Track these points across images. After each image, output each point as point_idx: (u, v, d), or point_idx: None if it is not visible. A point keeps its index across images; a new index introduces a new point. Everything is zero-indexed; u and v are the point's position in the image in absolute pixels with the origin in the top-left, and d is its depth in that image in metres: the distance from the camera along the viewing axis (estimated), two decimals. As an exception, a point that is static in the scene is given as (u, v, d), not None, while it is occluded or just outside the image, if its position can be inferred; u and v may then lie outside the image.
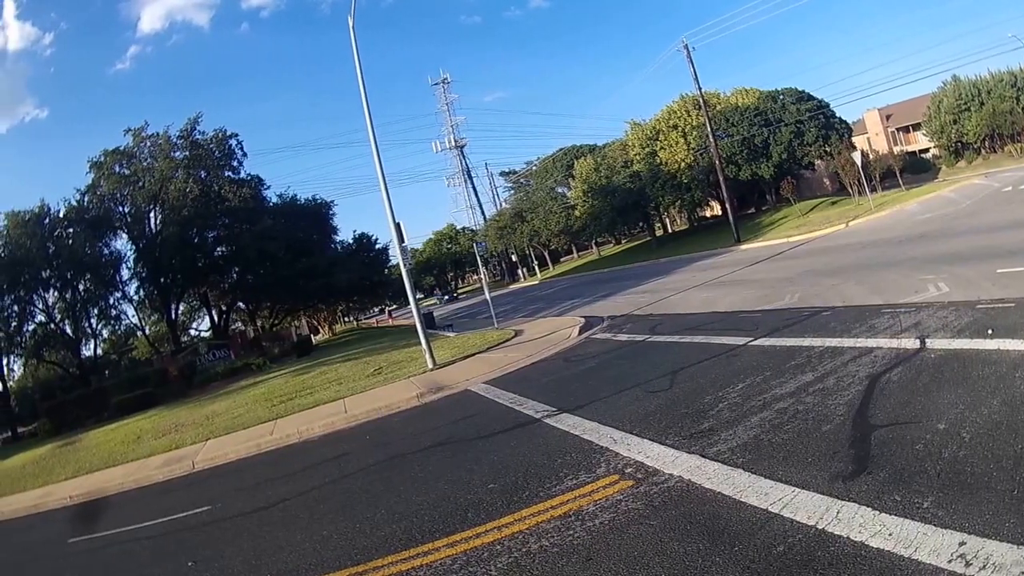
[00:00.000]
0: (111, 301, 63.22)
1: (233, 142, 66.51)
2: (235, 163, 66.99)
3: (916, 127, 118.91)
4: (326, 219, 75.19)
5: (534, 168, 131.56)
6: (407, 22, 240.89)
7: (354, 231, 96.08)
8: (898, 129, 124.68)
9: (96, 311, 62.10)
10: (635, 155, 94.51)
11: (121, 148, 62.46)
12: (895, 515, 6.60)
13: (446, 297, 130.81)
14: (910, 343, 12.89)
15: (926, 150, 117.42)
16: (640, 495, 8.57)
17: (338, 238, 77.61)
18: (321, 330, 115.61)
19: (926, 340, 12.78)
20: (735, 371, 14.16)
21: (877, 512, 6.72)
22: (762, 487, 7.91)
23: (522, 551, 7.85)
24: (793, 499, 7.40)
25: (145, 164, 61.89)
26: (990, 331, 12.28)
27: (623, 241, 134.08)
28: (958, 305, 15.20)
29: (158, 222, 64.02)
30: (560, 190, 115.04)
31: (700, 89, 73.76)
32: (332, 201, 76.56)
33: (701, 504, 7.90)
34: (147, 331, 73.08)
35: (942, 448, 7.75)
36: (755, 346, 16.47)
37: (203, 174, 64.00)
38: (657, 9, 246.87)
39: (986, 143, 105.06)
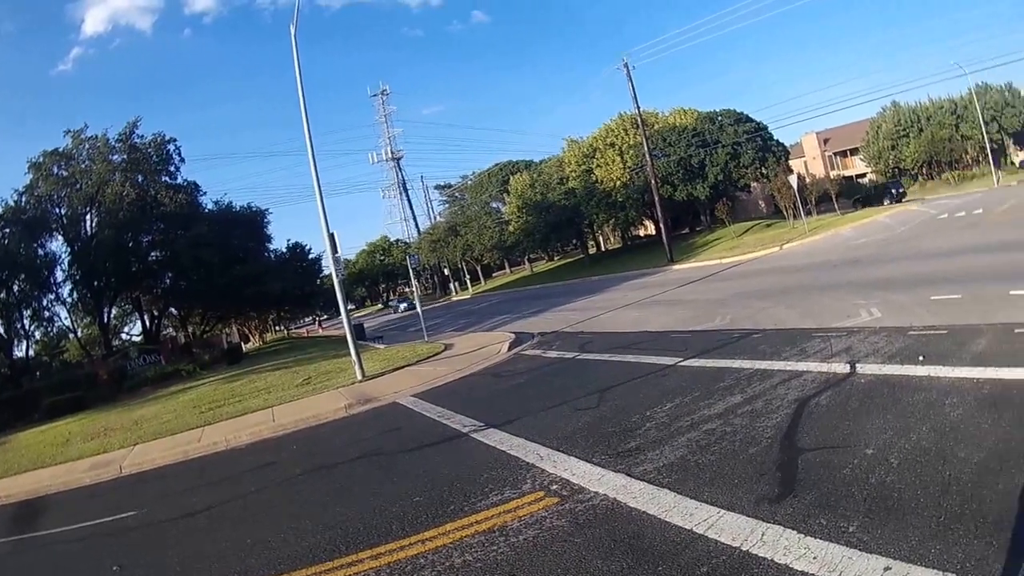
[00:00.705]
0: (44, 303, 62.10)
1: (171, 147, 65.57)
2: (172, 168, 66.09)
3: (854, 152, 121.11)
4: (260, 227, 73.96)
5: (469, 183, 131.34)
6: (349, 32, 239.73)
7: (288, 240, 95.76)
8: (835, 153, 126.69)
9: (29, 312, 61.00)
10: (571, 172, 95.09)
11: (60, 149, 61.15)
12: (821, 539, 6.68)
13: (402, 306, 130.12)
14: (840, 367, 13.08)
15: (863, 175, 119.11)
16: (565, 512, 8.60)
17: (272, 246, 76.81)
18: (252, 338, 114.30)
19: (856, 365, 12.96)
20: (664, 391, 14.27)
21: (802, 535, 6.80)
22: (687, 507, 7.97)
23: (446, 565, 7.86)
24: (718, 520, 7.46)
25: (83, 166, 60.99)
26: (921, 358, 12.44)
27: (556, 258, 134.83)
28: (890, 331, 15.42)
29: (94, 225, 62.66)
30: (494, 205, 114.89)
31: (638, 108, 74.64)
32: (267, 209, 75.87)
33: (626, 523, 7.94)
34: (79, 334, 71.85)
35: (869, 473, 7.87)
36: (684, 367, 16.58)
37: (140, 178, 63.15)
38: (599, 28, 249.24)
39: (923, 170, 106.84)
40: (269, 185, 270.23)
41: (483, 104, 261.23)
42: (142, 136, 63.37)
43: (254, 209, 74.06)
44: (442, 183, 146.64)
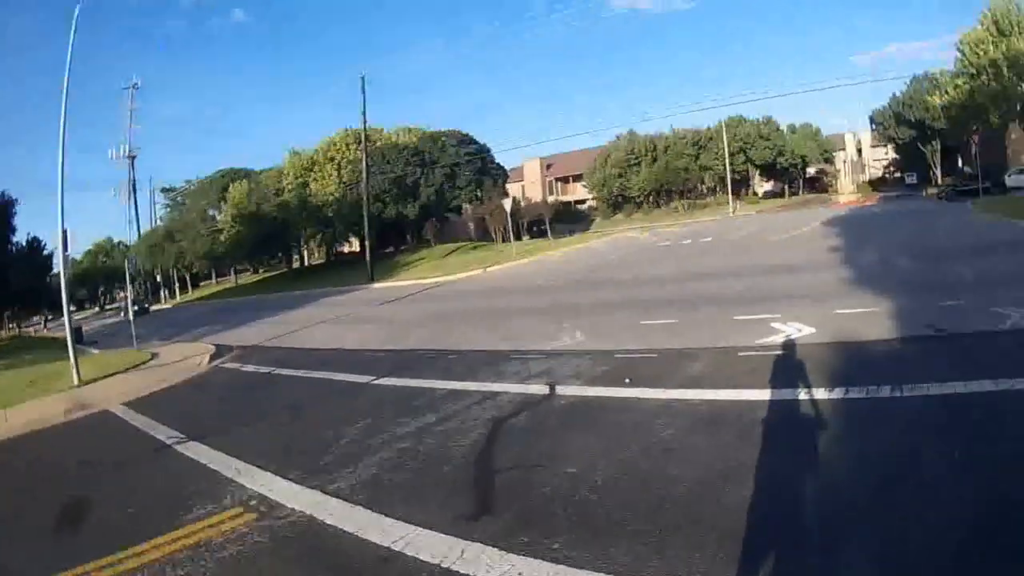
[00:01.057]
0: None
1: None
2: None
3: (577, 178, 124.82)
4: (7, 218, 70.97)
5: (192, 187, 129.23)
6: (111, 18, 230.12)
7: (28, 234, 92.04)
8: (557, 179, 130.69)
9: None
10: (288, 184, 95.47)
11: None
12: (525, 555, 6.73)
13: (135, 308, 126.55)
14: (539, 389, 13.35)
15: (583, 201, 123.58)
16: (265, 528, 8.49)
17: (15, 239, 73.83)
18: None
19: (556, 387, 13.23)
20: (358, 409, 14.36)
21: (505, 552, 6.83)
22: (383, 525, 7.97)
23: (160, 581, 7.65)
24: (416, 538, 7.46)
25: None
26: (627, 380, 12.77)
27: (261, 270, 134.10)
28: (594, 354, 15.87)
29: None
30: (212, 212, 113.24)
31: (365, 123, 75.04)
32: (15, 200, 72.74)
33: (324, 539, 7.91)
34: None
35: (573, 491, 8.01)
36: (378, 384, 16.73)
37: None
38: (339, 42, 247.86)
39: (650, 198, 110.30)
40: (16, 173, 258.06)
41: (225, 107, 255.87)
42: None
43: (6, 198, 71.00)
44: (167, 186, 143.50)
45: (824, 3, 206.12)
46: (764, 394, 10.72)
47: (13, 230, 72.03)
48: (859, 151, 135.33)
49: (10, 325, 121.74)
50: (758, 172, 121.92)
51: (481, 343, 20.44)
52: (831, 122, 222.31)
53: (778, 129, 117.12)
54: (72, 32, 26.10)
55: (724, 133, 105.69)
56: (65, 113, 26.24)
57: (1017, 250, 25.18)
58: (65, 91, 26.25)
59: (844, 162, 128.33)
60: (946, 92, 71.74)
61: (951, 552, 5.87)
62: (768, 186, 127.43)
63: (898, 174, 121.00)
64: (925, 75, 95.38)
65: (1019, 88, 62.12)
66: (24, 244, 75.29)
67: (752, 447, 8.56)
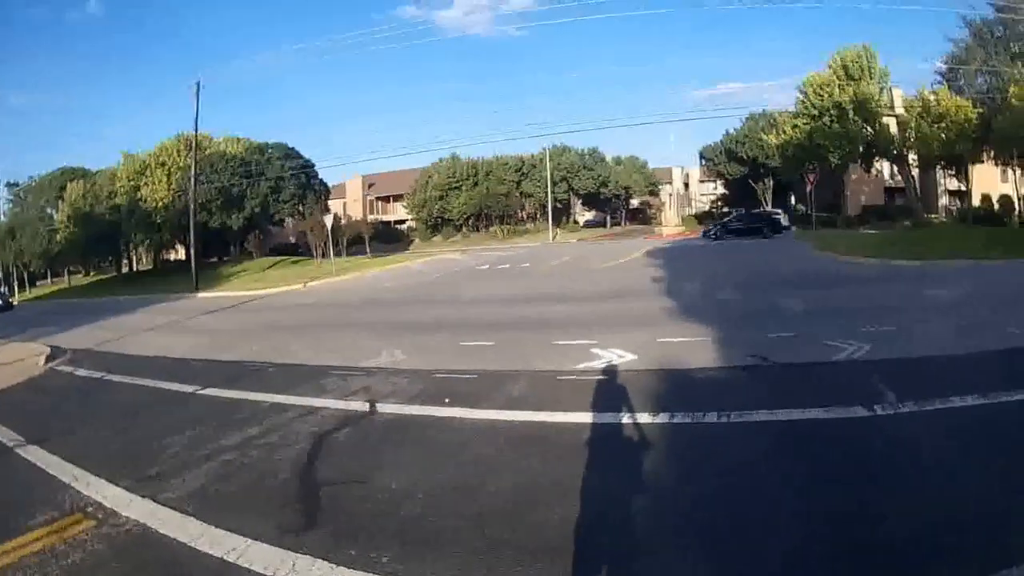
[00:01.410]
0: None
1: None
2: None
3: (397, 198, 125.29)
4: None
5: (33, 184, 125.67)
6: None
7: None
8: (378, 198, 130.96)
9: None
10: (120, 187, 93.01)
11: None
12: (354, 568, 6.86)
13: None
14: (359, 405, 13.47)
15: (403, 221, 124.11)
16: (103, 536, 8.40)
17: None
18: None
19: (376, 404, 13.35)
20: (184, 418, 14.19)
21: (334, 565, 6.95)
22: (215, 536, 7.99)
23: (13, 588, 7.54)
24: (247, 550, 7.52)
25: None
26: (447, 399, 12.95)
27: (92, 273, 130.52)
28: (413, 373, 16.07)
29: None
30: (49, 211, 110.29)
31: (196, 130, 73.48)
32: None
33: (160, 549, 7.89)
34: None
35: (397, 506, 8.18)
36: (203, 395, 16.61)
37: None
38: (180, 42, 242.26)
39: (470, 222, 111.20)
40: None
41: (75, 100, 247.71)
42: None
43: None
44: (12, 181, 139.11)
45: (660, 39, 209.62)
46: (586, 417, 11.01)
47: None
48: (686, 185, 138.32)
49: None
50: (580, 201, 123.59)
51: (303, 357, 20.41)
52: (660, 155, 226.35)
53: (603, 160, 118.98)
54: None
55: (547, 161, 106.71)
56: None
57: (842, 284, 26.34)
58: None
59: (670, 195, 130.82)
60: (783, 131, 73.83)
61: (771, 561, 6.31)
62: (590, 215, 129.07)
63: (726, 209, 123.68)
64: (762, 113, 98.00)
65: (863, 130, 64.62)
66: None
67: (574, 467, 8.80)
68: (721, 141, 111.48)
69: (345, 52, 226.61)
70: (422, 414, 12.31)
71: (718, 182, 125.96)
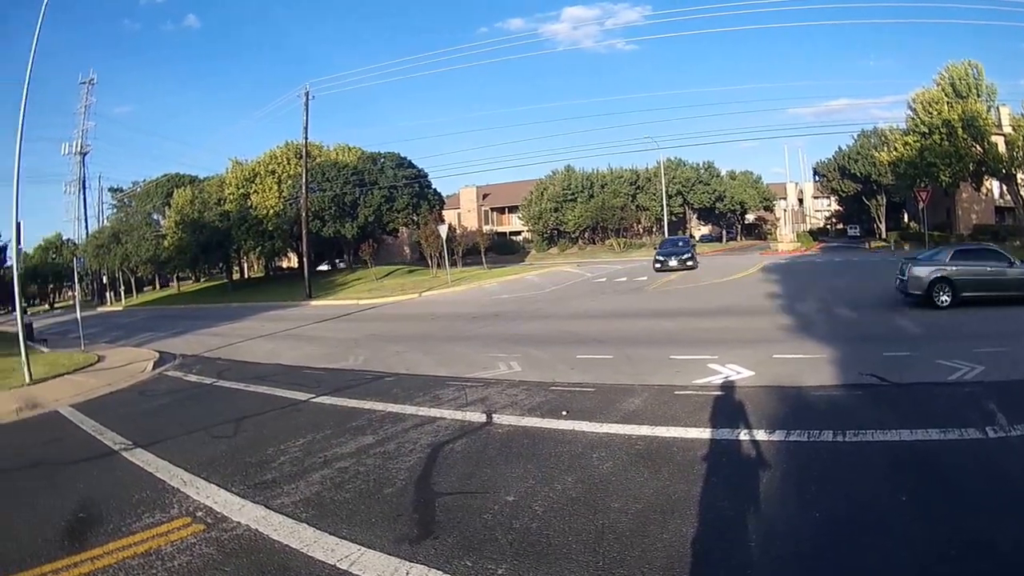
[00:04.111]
0: None
1: None
2: None
3: (513, 209, 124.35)
4: None
5: (139, 189, 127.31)
6: (71, 13, 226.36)
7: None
8: (493, 209, 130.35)
9: None
10: (230, 194, 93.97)
11: None
12: None
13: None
14: (476, 416, 13.44)
15: (518, 232, 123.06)
16: (212, 540, 8.45)
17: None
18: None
19: (493, 415, 13.35)
20: (297, 426, 14.34)
21: (448, 575, 6.92)
22: (328, 543, 7.98)
23: (109, 587, 7.53)
24: (360, 557, 7.50)
25: None
26: (564, 412, 12.90)
27: (202, 280, 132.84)
28: (530, 385, 16.03)
29: None
30: (156, 217, 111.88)
31: (306, 138, 74.40)
32: (-29, 187, 71.93)
33: (271, 554, 7.88)
34: None
35: (512, 519, 8.10)
36: (317, 403, 16.75)
37: None
38: (288, 52, 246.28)
39: (586, 234, 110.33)
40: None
41: (172, 111, 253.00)
42: None
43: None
44: (115, 186, 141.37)
45: (773, 54, 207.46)
46: (703, 433, 10.90)
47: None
48: (800, 201, 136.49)
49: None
50: (696, 215, 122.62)
51: (418, 367, 20.45)
52: (773, 171, 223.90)
53: (718, 175, 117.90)
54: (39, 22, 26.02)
55: (662, 174, 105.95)
56: (25, 107, 26.09)
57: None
58: (26, 85, 26.15)
59: (785, 211, 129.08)
60: (895, 149, 72.34)
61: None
62: (705, 230, 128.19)
63: (840, 225, 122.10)
64: (874, 130, 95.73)
65: (972, 148, 63.07)
66: (-30, 234, 74.41)
67: (691, 484, 8.70)
68: (834, 157, 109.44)
69: (454, 65, 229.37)
70: (540, 426, 12.25)
71: (831, 198, 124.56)
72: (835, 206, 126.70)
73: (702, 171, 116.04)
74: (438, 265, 69.67)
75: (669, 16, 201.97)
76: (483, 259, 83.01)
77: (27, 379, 24.85)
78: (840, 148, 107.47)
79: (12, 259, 27.58)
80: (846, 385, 13.78)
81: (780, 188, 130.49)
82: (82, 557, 8.39)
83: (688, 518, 7.65)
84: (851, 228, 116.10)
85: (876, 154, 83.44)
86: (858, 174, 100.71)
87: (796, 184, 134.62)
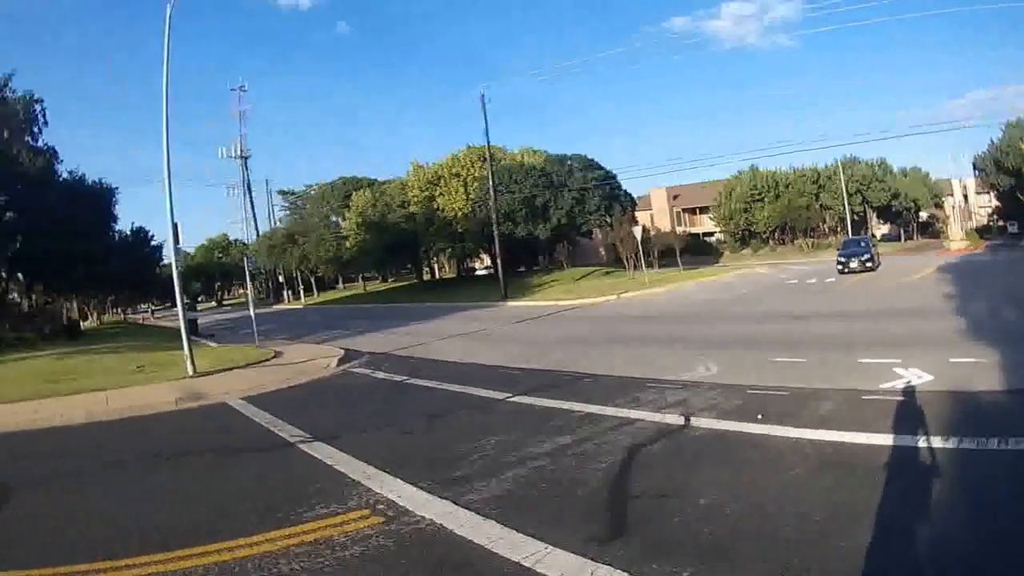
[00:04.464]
0: None
1: (38, 107, 63.51)
2: (36, 129, 64.10)
3: (704, 210, 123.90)
4: (109, 205, 71.38)
5: (312, 192, 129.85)
6: (217, 22, 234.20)
7: (132, 223, 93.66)
8: (684, 210, 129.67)
9: None
10: (413, 196, 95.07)
11: None
12: None
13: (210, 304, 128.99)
14: (674, 419, 13.20)
15: (711, 234, 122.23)
16: (391, 532, 8.48)
17: (117, 227, 74.93)
18: (90, 316, 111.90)
19: (691, 418, 13.09)
20: (491, 424, 14.34)
21: None
22: (515, 540, 7.90)
23: (272, 571, 7.65)
24: (547, 556, 7.39)
25: None
26: (760, 416, 12.66)
27: (390, 280, 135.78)
28: (727, 388, 15.68)
29: None
30: (334, 219, 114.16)
31: (488, 141, 74.89)
32: (116, 188, 73.61)
33: (452, 549, 7.85)
34: None
35: (703, 523, 7.90)
36: (513, 402, 16.67)
37: (5, 133, 61.26)
38: (458, 57, 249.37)
39: (775, 234, 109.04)
40: (123, 163, 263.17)
41: (335, 116, 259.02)
42: (13, 91, 61.59)
43: (104, 185, 72.00)
44: (286, 189, 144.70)
45: (924, 46, 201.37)
46: (887, 439, 10.55)
47: (115, 218, 73.21)
48: (965, 197, 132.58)
49: (115, 310, 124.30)
50: (875, 214, 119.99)
51: (617, 369, 20.26)
52: (939, 167, 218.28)
53: (891, 172, 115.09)
54: (166, 30, 27.13)
55: (841, 173, 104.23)
56: (167, 112, 27.32)
57: None
58: (165, 89, 27.21)
59: (953, 208, 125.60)
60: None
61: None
62: (885, 229, 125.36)
63: (1000, 222, 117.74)
64: (1018, 121, 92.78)
65: None
66: (128, 233, 76.65)
67: (874, 491, 8.40)
68: (988, 151, 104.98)
69: (631, 66, 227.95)
70: (735, 430, 12.05)
71: (991, 193, 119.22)
72: (994, 201, 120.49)
73: (876, 168, 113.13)
74: (634, 267, 69.67)
75: (825, 9, 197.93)
76: (678, 260, 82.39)
77: (190, 371, 25.62)
78: (992, 141, 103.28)
79: (171, 257, 28.18)
80: (1020, 391, 13.21)
81: (946, 184, 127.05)
82: (238, 543, 8.59)
83: (867, 526, 7.39)
84: (1010, 225, 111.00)
85: (1022, 145, 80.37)
86: (1010, 167, 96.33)
87: (960, 180, 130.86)
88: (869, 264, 52.08)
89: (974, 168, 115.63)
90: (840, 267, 51.95)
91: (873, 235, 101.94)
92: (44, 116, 64.63)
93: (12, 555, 8.90)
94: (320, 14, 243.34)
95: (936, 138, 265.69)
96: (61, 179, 66.92)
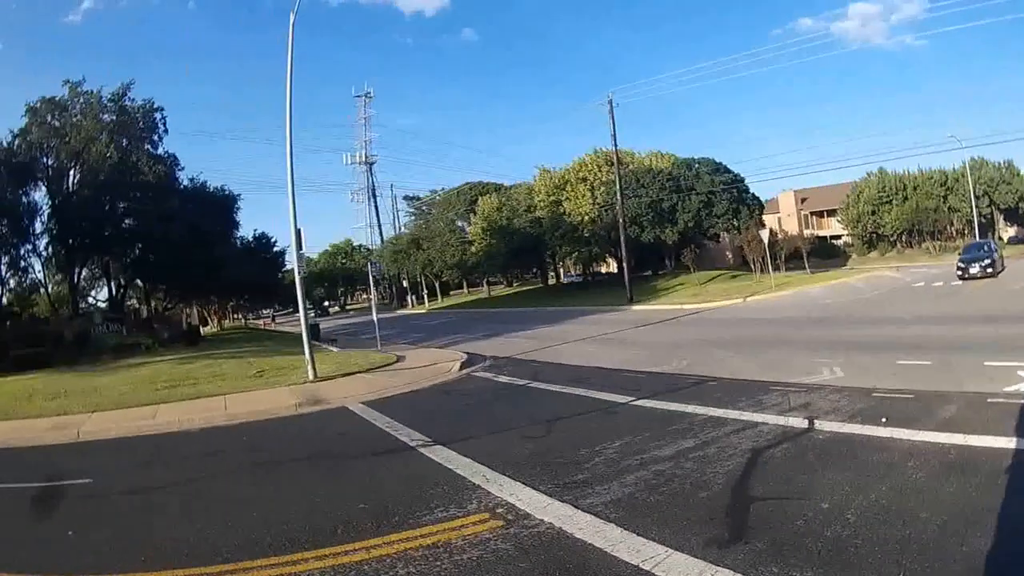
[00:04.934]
0: (22, 252, 61.98)
1: (158, 116, 65.17)
2: (156, 137, 65.81)
3: (831, 213, 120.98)
4: (231, 212, 73.04)
5: (438, 198, 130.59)
6: (341, 29, 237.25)
7: (254, 229, 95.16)
8: (812, 213, 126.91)
9: (7, 259, 60.70)
10: (540, 201, 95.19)
11: (57, 98, 61.19)
12: None
13: (335, 308, 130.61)
14: (798, 422, 13.11)
15: (838, 236, 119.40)
16: (510, 536, 8.51)
17: (239, 233, 76.59)
18: (210, 322, 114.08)
19: (815, 421, 12.97)
20: (614, 428, 14.30)
21: None
22: (634, 544, 7.89)
23: (389, 575, 7.74)
24: (666, 559, 7.38)
25: (75, 120, 60.34)
26: (884, 419, 12.49)
27: (514, 284, 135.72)
28: (852, 391, 15.51)
29: (75, 182, 61.89)
30: (460, 224, 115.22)
31: (616, 145, 74.78)
32: (239, 195, 75.24)
33: (571, 553, 7.85)
34: (50, 290, 71.49)
35: (824, 526, 7.83)
36: (636, 406, 16.63)
37: (125, 142, 62.68)
38: (585, 62, 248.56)
39: (903, 237, 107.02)
40: (242, 170, 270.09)
41: (460, 122, 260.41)
42: (132, 99, 63.12)
43: (226, 192, 73.81)
44: (411, 194, 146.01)
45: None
46: (1010, 443, 10.38)
47: (236, 225, 75.28)
48: None
49: (235, 316, 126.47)
50: (1003, 217, 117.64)
51: (742, 372, 20.21)
52: None
53: (1018, 174, 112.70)
54: (290, 39, 27.73)
55: (968, 175, 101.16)
56: (290, 120, 28.00)
57: None
58: (288, 96, 27.85)
59: None
60: None
61: None
62: (1012, 231, 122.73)
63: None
64: None
65: None
66: (251, 239, 78.56)
67: (996, 495, 8.30)
68: None
69: (752, 69, 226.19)
70: (859, 433, 11.94)
71: None
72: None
73: (1003, 170, 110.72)
74: (761, 270, 69.34)
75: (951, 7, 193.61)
76: (805, 264, 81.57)
77: (310, 376, 26.03)
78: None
79: (294, 263, 28.56)
80: None
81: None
82: (355, 546, 8.71)
83: (987, 531, 7.29)
84: None
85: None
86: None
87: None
88: (991, 270, 49.16)
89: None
90: (960, 272, 49.56)
91: (1000, 238, 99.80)
92: (164, 124, 66.46)
93: (128, 558, 9.10)
94: (445, 21, 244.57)
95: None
96: (182, 186, 68.40)
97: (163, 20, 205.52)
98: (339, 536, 9.16)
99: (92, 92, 61.38)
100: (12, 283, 65.22)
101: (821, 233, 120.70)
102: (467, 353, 32.24)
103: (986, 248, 54.09)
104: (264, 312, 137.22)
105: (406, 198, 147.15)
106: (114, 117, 61.63)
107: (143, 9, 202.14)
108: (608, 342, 33.73)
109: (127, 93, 62.39)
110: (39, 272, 67.08)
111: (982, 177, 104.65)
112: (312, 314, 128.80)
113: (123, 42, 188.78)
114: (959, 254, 54.53)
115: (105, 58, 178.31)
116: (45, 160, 61.44)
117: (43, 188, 61.58)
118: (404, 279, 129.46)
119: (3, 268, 61.16)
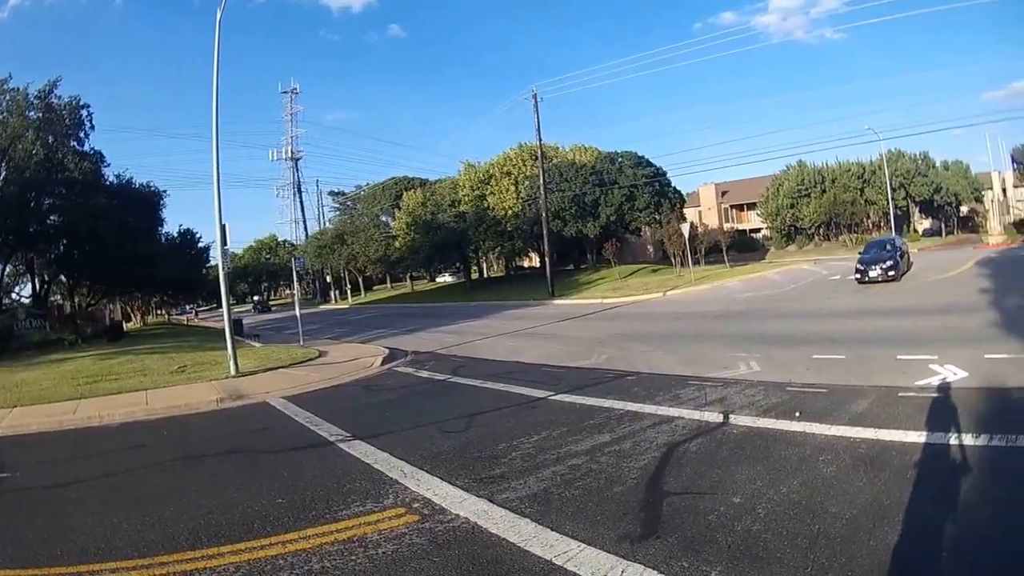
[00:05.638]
0: None
1: (84, 113, 63.74)
2: (82, 134, 64.48)
3: (751, 206, 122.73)
4: (156, 208, 72.22)
5: (363, 192, 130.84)
6: (267, 25, 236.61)
7: (180, 225, 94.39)
8: (732, 206, 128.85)
9: None
10: (464, 195, 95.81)
11: None
12: None
13: (258, 308, 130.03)
14: (713, 416, 13.26)
15: (757, 230, 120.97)
16: (425, 531, 8.57)
17: (164, 229, 75.77)
18: (133, 318, 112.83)
19: (730, 416, 13.16)
20: (532, 423, 14.36)
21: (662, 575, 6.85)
22: (548, 539, 7.98)
23: (304, 569, 7.75)
24: (578, 554, 7.47)
25: (0, 117, 59.78)
26: (798, 414, 12.70)
27: (437, 279, 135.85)
28: (768, 385, 15.75)
29: (1, 179, 61.13)
30: (384, 219, 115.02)
31: (540, 140, 74.98)
32: (164, 191, 74.62)
33: (485, 548, 7.92)
34: None
35: (735, 521, 7.96)
36: (555, 401, 16.71)
37: (51, 139, 61.75)
38: (512, 58, 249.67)
39: (820, 230, 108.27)
40: (169, 167, 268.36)
41: (386, 117, 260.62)
42: (59, 97, 62.20)
43: (152, 189, 72.83)
44: (336, 190, 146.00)
45: (960, 40, 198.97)
46: (920, 436, 10.62)
47: (161, 221, 74.36)
48: (1003, 190, 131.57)
49: (158, 312, 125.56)
50: (918, 209, 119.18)
51: (661, 366, 20.42)
52: (979, 159, 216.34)
53: (933, 166, 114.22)
54: (216, 34, 27.83)
55: (885, 167, 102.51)
56: (216, 117, 28.17)
57: None
58: (215, 94, 27.89)
59: (991, 201, 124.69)
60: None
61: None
62: (927, 223, 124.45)
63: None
64: None
65: None
66: (175, 235, 77.73)
67: (905, 489, 8.49)
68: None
69: (673, 63, 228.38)
70: (773, 428, 12.12)
71: None
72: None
73: (919, 162, 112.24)
74: (681, 264, 69.80)
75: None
76: (725, 257, 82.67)
77: (232, 371, 25.98)
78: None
79: (218, 258, 28.47)
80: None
81: (986, 178, 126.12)
82: (271, 540, 8.73)
83: (895, 525, 7.48)
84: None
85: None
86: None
87: (999, 173, 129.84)
88: (892, 273, 41.81)
89: (1012, 161, 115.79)
90: (858, 276, 42.84)
91: (916, 230, 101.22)
92: (91, 121, 65.16)
93: (45, 552, 9.06)
94: (372, 17, 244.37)
95: (975, 130, 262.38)
96: (108, 182, 67.65)
97: (90, 18, 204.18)
98: (256, 530, 9.17)
99: (18, 89, 60.39)
100: (-66, 279, 63.81)
101: (741, 227, 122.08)
102: (389, 348, 32.33)
103: (889, 247, 47.53)
104: (187, 308, 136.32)
105: (331, 193, 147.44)
106: (40, 115, 60.78)
107: (71, 6, 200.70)
108: (530, 336, 33.92)
109: (53, 90, 61.49)
110: (-39, 268, 65.73)
111: (899, 169, 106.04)
112: (251, 310, 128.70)
113: (50, 39, 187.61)
114: (859, 253, 48.78)
115: (32, 55, 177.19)
116: (-31, 157, 60.56)
117: (-33, 185, 60.74)
118: (328, 274, 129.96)
119: (-77, 263, 59.80)
